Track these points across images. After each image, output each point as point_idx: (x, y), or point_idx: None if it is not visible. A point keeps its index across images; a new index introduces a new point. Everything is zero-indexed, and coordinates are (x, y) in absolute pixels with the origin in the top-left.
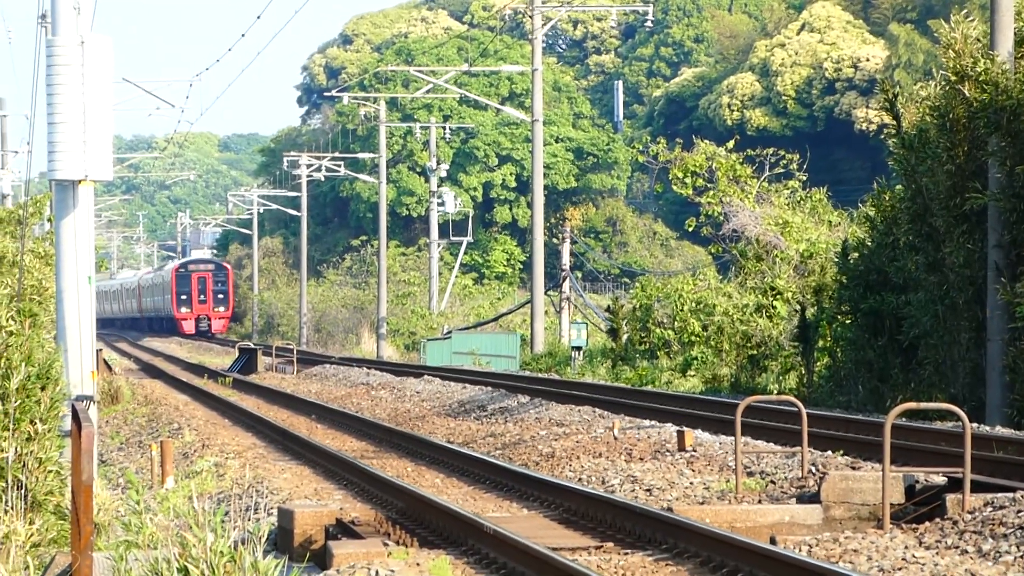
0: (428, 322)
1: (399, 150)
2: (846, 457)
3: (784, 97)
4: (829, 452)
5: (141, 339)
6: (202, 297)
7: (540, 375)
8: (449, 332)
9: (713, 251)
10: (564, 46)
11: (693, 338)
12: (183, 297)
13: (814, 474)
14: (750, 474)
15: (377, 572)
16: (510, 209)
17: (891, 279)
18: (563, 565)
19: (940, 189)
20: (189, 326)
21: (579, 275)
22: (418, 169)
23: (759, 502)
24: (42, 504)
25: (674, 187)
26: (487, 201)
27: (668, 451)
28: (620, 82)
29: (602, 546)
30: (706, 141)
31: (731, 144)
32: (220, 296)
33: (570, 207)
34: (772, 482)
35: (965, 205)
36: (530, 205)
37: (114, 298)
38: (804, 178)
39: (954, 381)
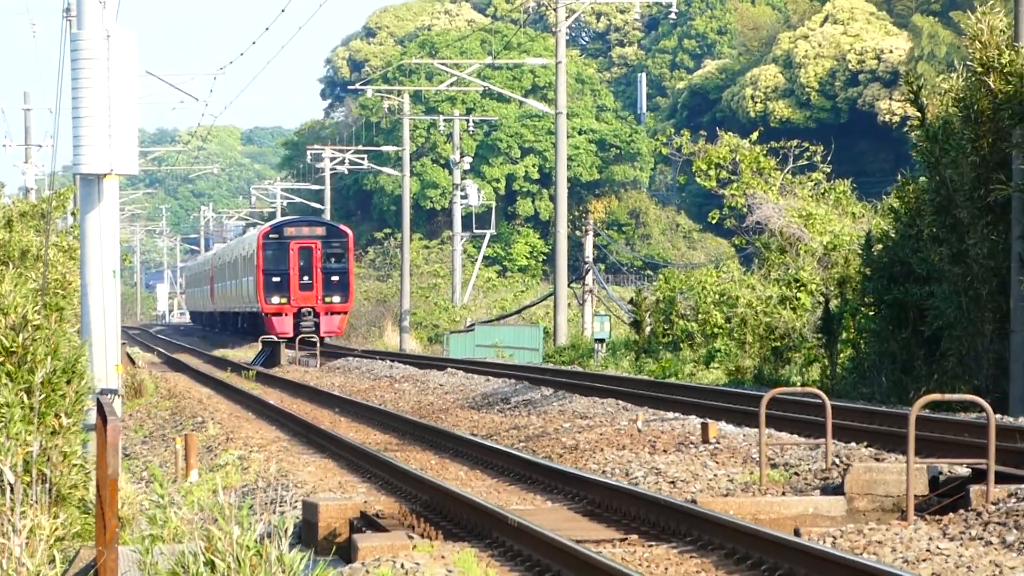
0: (451, 315)
1: (422, 143)
2: (870, 449)
3: (807, 89)
4: (853, 444)
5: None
6: (306, 279)
7: (563, 367)
8: (472, 325)
9: (736, 243)
10: (587, 38)
11: (716, 330)
12: (275, 280)
13: (838, 466)
14: (774, 466)
15: (402, 565)
16: (533, 202)
17: (915, 271)
18: (588, 558)
19: (964, 180)
20: (284, 325)
21: (602, 267)
22: (441, 162)
23: (783, 494)
24: (66, 498)
25: (697, 179)
26: (510, 194)
27: (692, 443)
28: (643, 74)
29: (627, 538)
30: (729, 133)
31: (754, 136)
32: (335, 279)
33: (593, 199)
34: (796, 474)
35: (989, 196)
36: (553, 198)
37: (196, 283)
38: (828, 170)
39: (978, 372)
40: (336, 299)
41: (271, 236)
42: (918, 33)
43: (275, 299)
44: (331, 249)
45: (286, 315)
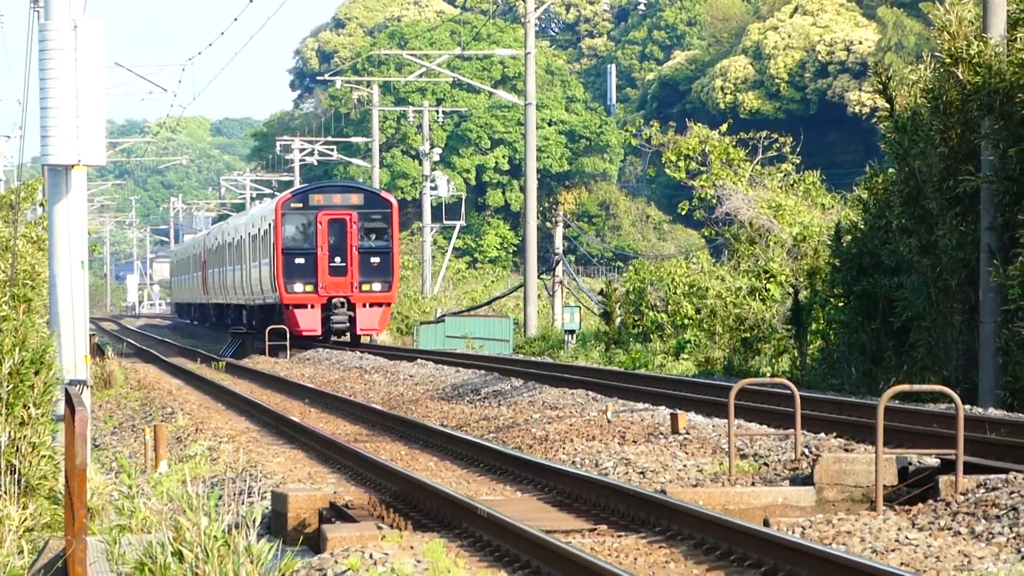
0: (421, 306)
1: (392, 134)
2: (839, 439)
3: (777, 80)
4: (822, 434)
5: None
6: (338, 260)
7: (533, 359)
8: (442, 316)
9: (706, 234)
10: (557, 29)
11: (686, 321)
12: (298, 262)
13: (807, 456)
14: (743, 456)
15: (371, 555)
16: (503, 193)
17: (884, 262)
18: (557, 548)
19: (933, 172)
20: (310, 320)
21: (572, 259)
22: (411, 152)
23: (752, 484)
24: (36, 489)
25: (667, 170)
26: (480, 185)
27: (661, 434)
28: (613, 65)
29: (596, 528)
30: (699, 124)
31: (724, 127)
32: (375, 261)
33: (563, 191)
34: (765, 464)
35: (958, 187)
36: (523, 189)
37: (183, 269)
38: (797, 161)
39: (947, 363)
40: (376, 287)
41: (293, 205)
42: (884, 24)
43: (298, 287)
44: (371, 222)
45: (312, 307)
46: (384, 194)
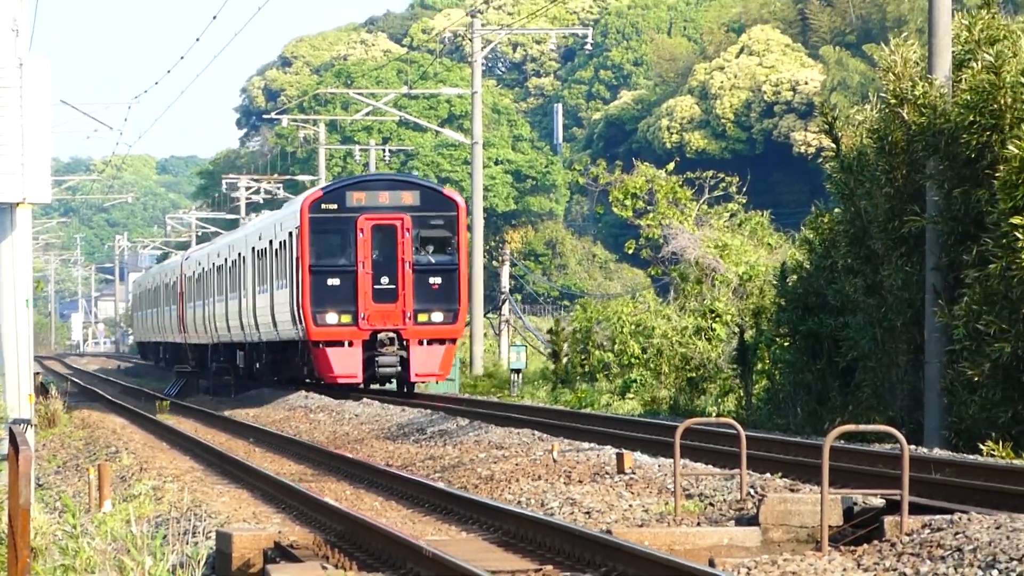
0: None
1: (339, 172)
2: (785, 479)
3: (723, 120)
4: (768, 474)
5: None
6: (385, 280)
7: (479, 398)
8: None
9: (652, 273)
10: (504, 69)
11: (632, 360)
12: (331, 283)
13: (753, 496)
14: (689, 496)
15: None
16: None
17: (829, 302)
18: None
19: (878, 212)
20: (347, 363)
21: (518, 298)
22: None
23: (698, 524)
24: None
25: (614, 209)
26: None
27: (607, 473)
28: (559, 105)
29: (541, 569)
30: (645, 164)
31: (670, 167)
32: (435, 282)
33: (509, 229)
34: (711, 504)
35: (903, 228)
36: (469, 227)
37: (151, 302)
38: (743, 201)
39: (892, 403)
40: (437, 316)
41: (325, 207)
42: (827, 62)
43: (331, 317)
44: (430, 229)
45: (351, 345)
46: (448, 192)
